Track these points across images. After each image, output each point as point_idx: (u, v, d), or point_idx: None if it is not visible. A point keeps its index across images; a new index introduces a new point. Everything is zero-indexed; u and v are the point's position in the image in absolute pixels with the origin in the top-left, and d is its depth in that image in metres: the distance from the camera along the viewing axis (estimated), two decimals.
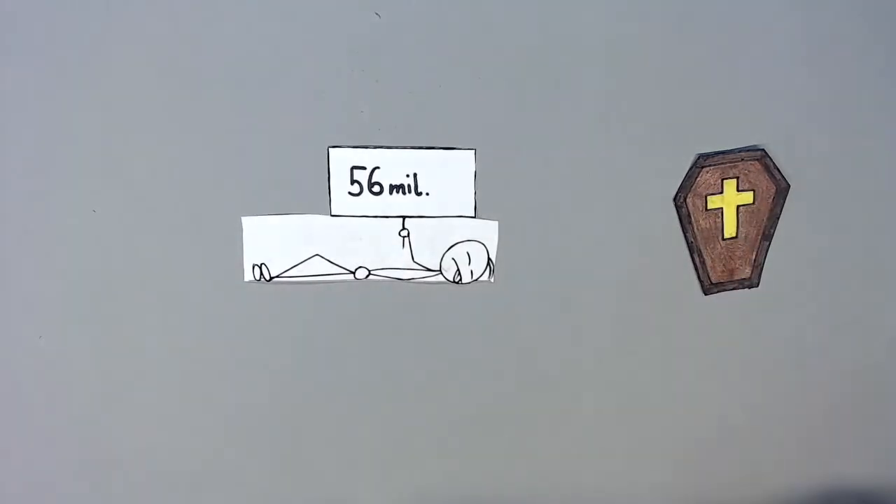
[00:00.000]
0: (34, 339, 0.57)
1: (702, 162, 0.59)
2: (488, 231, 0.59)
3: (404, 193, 0.58)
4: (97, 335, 0.57)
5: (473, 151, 0.57)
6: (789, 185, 0.60)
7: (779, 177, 0.60)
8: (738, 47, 0.58)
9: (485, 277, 0.59)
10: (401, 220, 0.58)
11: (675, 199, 0.60)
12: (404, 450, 0.60)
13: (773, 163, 0.60)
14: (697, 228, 0.60)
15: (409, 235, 0.58)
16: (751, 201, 0.60)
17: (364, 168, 0.57)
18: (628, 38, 0.57)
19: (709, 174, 0.59)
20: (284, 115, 0.56)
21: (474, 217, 0.58)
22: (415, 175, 0.57)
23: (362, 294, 0.59)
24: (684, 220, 0.60)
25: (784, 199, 0.60)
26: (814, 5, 0.58)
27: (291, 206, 0.57)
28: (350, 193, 0.57)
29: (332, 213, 0.57)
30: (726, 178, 0.60)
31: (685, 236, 0.60)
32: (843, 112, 0.60)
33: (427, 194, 0.58)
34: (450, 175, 0.57)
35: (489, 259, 0.59)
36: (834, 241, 0.61)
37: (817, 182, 0.60)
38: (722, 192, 0.60)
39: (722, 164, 0.59)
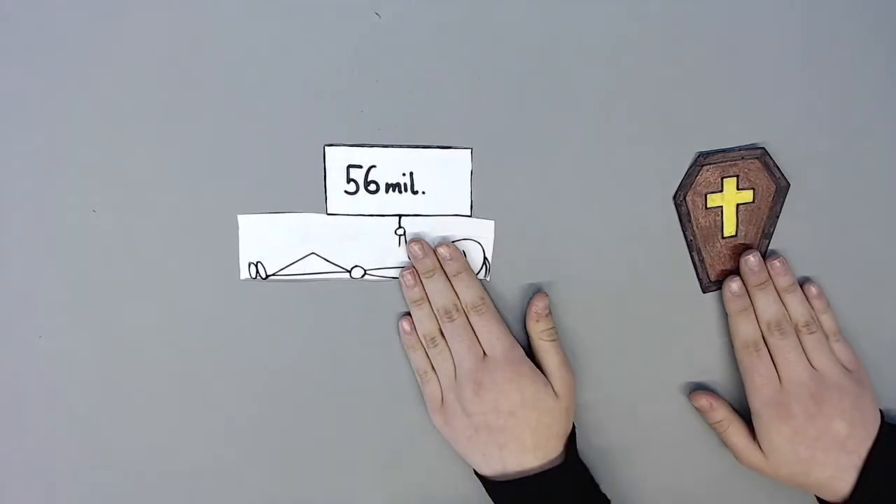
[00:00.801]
0: (34, 339, 0.58)
1: (702, 160, 0.59)
2: (484, 230, 0.59)
3: (400, 192, 0.58)
4: (97, 335, 0.58)
5: (470, 150, 0.57)
6: (789, 184, 0.60)
7: (779, 175, 0.60)
8: (738, 47, 0.58)
9: (481, 276, 0.59)
10: (397, 218, 0.58)
11: (674, 198, 0.59)
12: (404, 450, 0.60)
13: (773, 161, 0.59)
14: (697, 227, 0.60)
15: (405, 234, 0.58)
16: (751, 200, 0.60)
17: (360, 167, 0.57)
18: (628, 38, 0.57)
19: (709, 172, 0.59)
20: (280, 114, 0.56)
21: (470, 216, 0.58)
22: (411, 174, 0.57)
23: (358, 292, 0.59)
24: (684, 219, 0.60)
25: (784, 198, 0.60)
26: (814, 5, 0.58)
27: (287, 204, 0.57)
28: (346, 192, 0.57)
29: (328, 212, 0.57)
30: (726, 177, 0.59)
31: (684, 234, 0.60)
32: (843, 112, 0.60)
33: (423, 193, 0.58)
34: (446, 174, 0.57)
35: (485, 258, 0.59)
36: (834, 241, 0.61)
37: (817, 182, 0.60)
38: (722, 191, 0.60)
39: (722, 162, 0.59)
